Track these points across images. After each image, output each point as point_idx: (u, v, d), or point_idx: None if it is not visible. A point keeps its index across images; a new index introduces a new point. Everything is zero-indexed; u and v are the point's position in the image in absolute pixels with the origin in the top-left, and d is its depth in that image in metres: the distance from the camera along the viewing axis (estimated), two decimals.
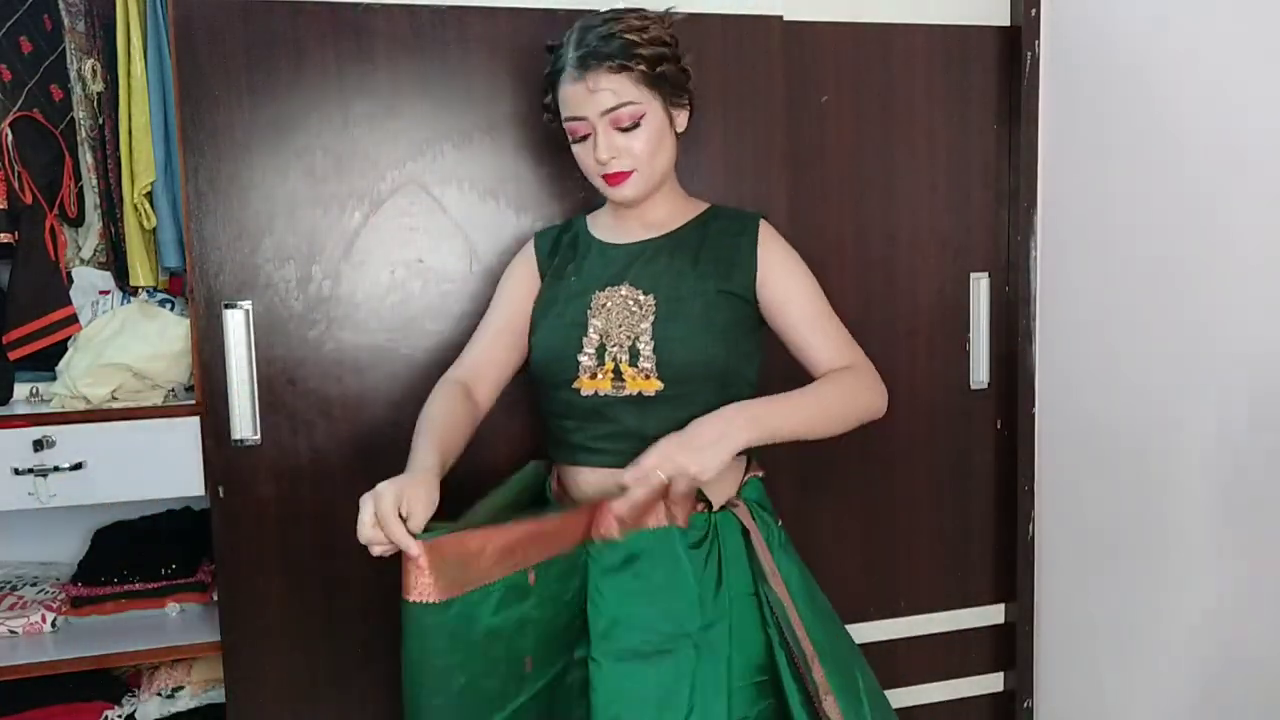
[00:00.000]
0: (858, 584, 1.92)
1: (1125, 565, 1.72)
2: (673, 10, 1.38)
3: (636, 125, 1.30)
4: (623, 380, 1.31)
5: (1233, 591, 1.51)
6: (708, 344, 1.32)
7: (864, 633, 1.92)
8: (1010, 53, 1.89)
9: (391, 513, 1.17)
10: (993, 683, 2.03)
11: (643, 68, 1.28)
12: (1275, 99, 1.40)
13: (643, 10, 1.34)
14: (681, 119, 1.38)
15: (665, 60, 1.31)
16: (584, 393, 1.33)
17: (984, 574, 2.00)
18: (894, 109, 1.85)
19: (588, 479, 1.36)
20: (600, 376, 1.32)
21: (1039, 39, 1.85)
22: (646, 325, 1.32)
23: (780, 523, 1.39)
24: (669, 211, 1.41)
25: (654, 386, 1.30)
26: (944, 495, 1.96)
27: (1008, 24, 1.88)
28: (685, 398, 1.30)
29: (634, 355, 1.31)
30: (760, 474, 1.42)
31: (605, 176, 1.33)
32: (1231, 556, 1.51)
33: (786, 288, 1.38)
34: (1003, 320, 1.94)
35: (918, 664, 1.98)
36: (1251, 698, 1.49)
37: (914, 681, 1.97)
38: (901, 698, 1.97)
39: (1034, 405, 1.92)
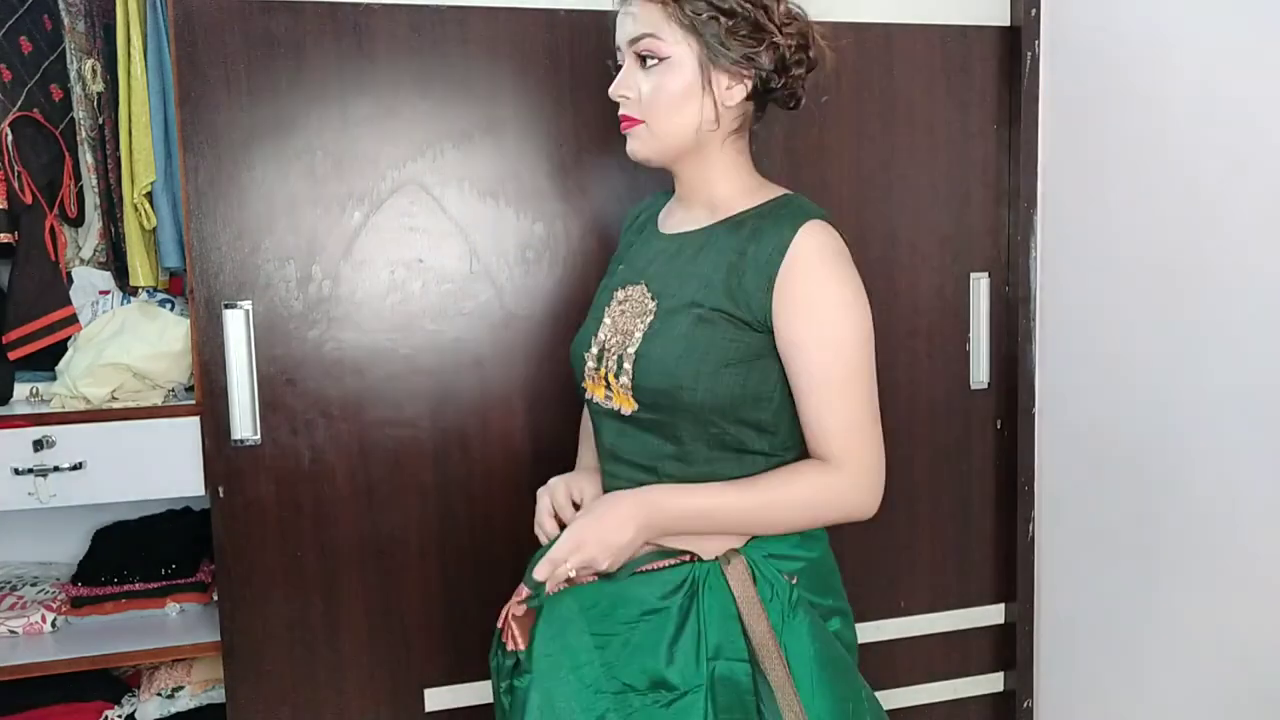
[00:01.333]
0: (858, 584, 1.91)
1: (1125, 565, 1.72)
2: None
3: (657, 64, 1.15)
4: (611, 390, 1.20)
5: (1232, 591, 1.51)
6: (682, 370, 1.13)
7: (864, 633, 1.91)
8: (1010, 53, 1.88)
9: (566, 502, 1.27)
10: (993, 683, 2.03)
11: (680, 4, 1.13)
12: (1275, 99, 1.40)
13: None
14: (729, 87, 1.16)
15: (715, 7, 1.13)
16: (589, 395, 1.26)
17: (984, 574, 2.00)
18: (894, 109, 1.85)
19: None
20: (597, 381, 1.23)
21: (1039, 39, 1.85)
22: (639, 334, 1.18)
23: (795, 581, 1.17)
24: (725, 197, 1.21)
25: (630, 405, 1.18)
26: (944, 495, 1.96)
27: (1008, 24, 1.88)
28: (659, 426, 1.17)
29: (619, 365, 1.18)
30: None
31: (621, 120, 1.20)
32: (1231, 556, 1.51)
33: (796, 331, 1.12)
34: (1003, 320, 1.94)
35: (918, 664, 1.98)
36: (1251, 697, 1.49)
37: (914, 681, 1.97)
38: (901, 698, 1.97)
39: (1034, 405, 1.92)
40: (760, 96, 1.20)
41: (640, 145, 1.20)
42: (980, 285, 1.93)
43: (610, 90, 1.20)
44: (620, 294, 1.25)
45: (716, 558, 1.17)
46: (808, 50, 1.20)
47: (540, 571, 1.15)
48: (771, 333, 1.14)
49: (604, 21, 1.66)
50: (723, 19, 1.13)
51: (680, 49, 1.14)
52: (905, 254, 1.88)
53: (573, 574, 1.15)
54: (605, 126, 1.68)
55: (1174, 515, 1.60)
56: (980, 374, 1.95)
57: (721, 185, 1.22)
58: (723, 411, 1.14)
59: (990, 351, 1.94)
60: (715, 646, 1.14)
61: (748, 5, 1.14)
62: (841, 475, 1.13)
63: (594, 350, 1.24)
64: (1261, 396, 1.44)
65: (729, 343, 1.14)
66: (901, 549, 1.94)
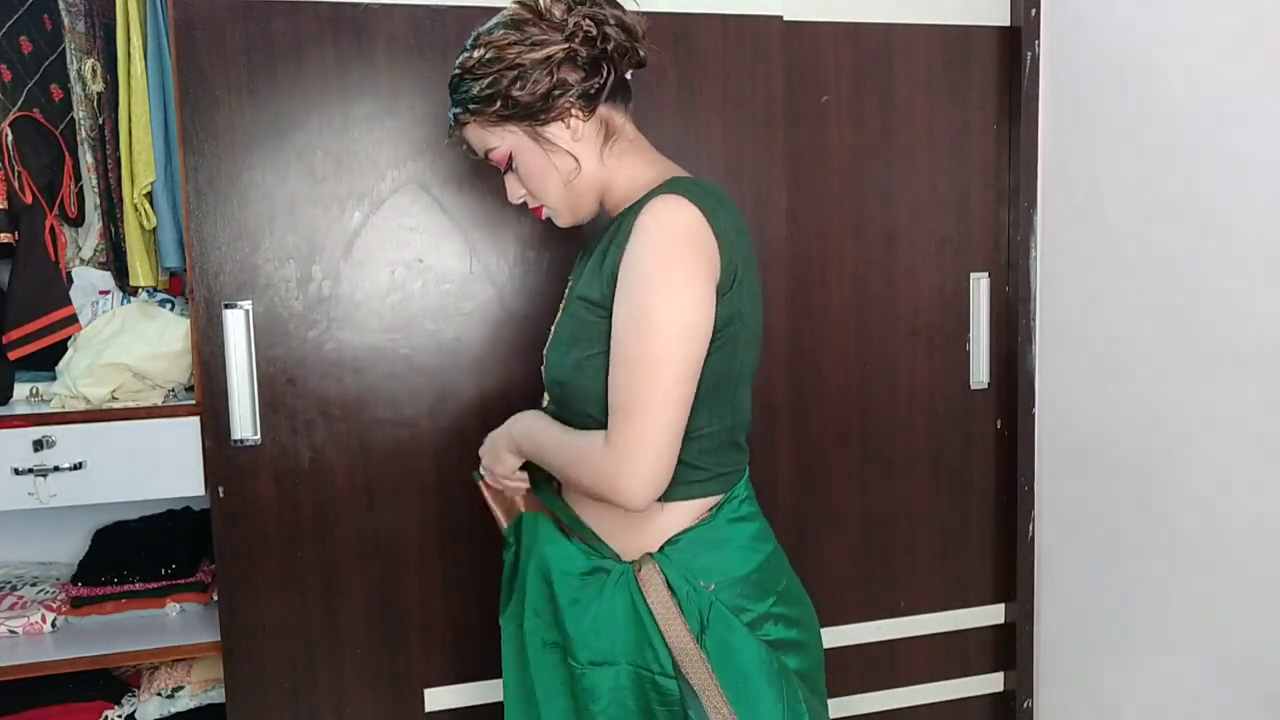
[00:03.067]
0: (858, 584, 1.92)
1: (1125, 565, 1.72)
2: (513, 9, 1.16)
3: (512, 166, 1.19)
4: (546, 390, 1.26)
5: (1232, 592, 1.51)
6: (562, 364, 1.16)
7: (864, 633, 1.92)
8: (1010, 53, 1.89)
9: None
10: (993, 683, 2.03)
11: (482, 111, 1.15)
12: (1275, 98, 1.40)
13: (478, 33, 1.17)
14: (568, 127, 1.16)
15: (502, 88, 1.13)
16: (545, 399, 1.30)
17: (984, 574, 2.00)
18: (894, 109, 1.85)
19: None
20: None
21: (1039, 39, 1.85)
22: (551, 333, 1.24)
23: (713, 588, 1.14)
24: (622, 196, 1.20)
25: (548, 400, 1.26)
26: (944, 495, 1.96)
27: (1008, 24, 1.88)
28: (566, 421, 1.19)
29: (544, 365, 1.24)
30: (701, 524, 1.17)
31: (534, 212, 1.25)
32: (1231, 556, 1.51)
33: (619, 299, 1.08)
34: (1003, 320, 1.95)
35: (918, 664, 1.98)
36: (1251, 697, 1.49)
37: (914, 681, 1.98)
38: (901, 698, 1.97)
39: (1034, 405, 1.92)
40: (600, 94, 1.16)
41: (558, 219, 1.24)
42: (980, 285, 1.93)
43: (509, 199, 1.24)
44: (568, 293, 1.27)
45: (632, 561, 1.16)
46: (604, 23, 1.14)
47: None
48: None
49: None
50: (514, 90, 1.13)
51: (509, 139, 1.17)
52: (905, 254, 1.88)
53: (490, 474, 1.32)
54: None
55: (1174, 515, 1.61)
56: (980, 374, 1.95)
57: (618, 189, 1.21)
58: (596, 403, 1.12)
59: (990, 351, 1.95)
60: (599, 649, 1.16)
61: (522, 56, 1.12)
62: (608, 456, 1.08)
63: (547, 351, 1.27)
64: (1261, 396, 1.44)
65: (594, 331, 1.12)
66: (901, 549, 1.95)
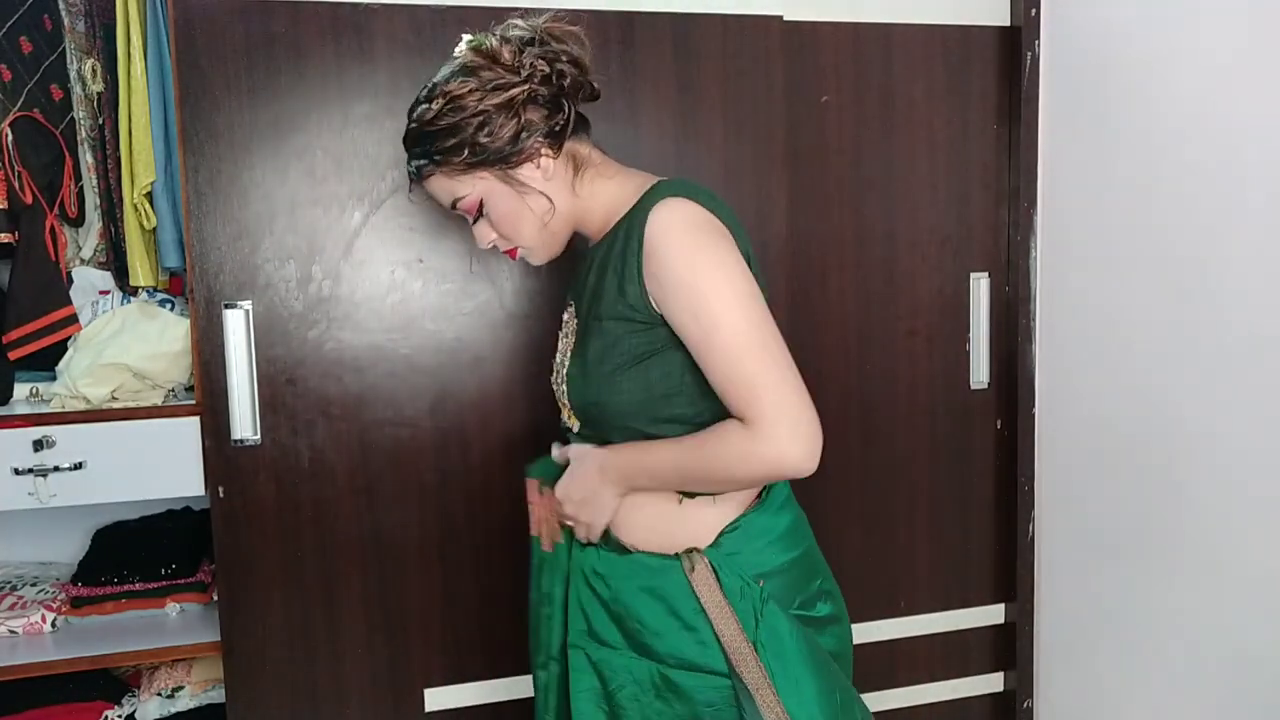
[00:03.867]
0: (858, 584, 1.92)
1: (1125, 565, 1.72)
2: (469, 42, 1.17)
3: (482, 213, 1.19)
4: (565, 411, 1.25)
5: (1233, 591, 1.51)
6: (591, 384, 1.16)
7: (864, 633, 1.92)
8: (1010, 53, 1.89)
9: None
10: (993, 683, 2.03)
11: (448, 161, 1.15)
12: (1275, 98, 1.40)
13: (434, 84, 1.16)
14: (538, 167, 1.16)
15: (468, 136, 1.13)
16: (562, 420, 1.28)
17: (984, 574, 2.00)
18: (894, 109, 1.85)
19: None
20: (560, 404, 1.26)
21: (1039, 39, 1.85)
22: (568, 354, 1.22)
23: (763, 583, 1.15)
24: (604, 217, 1.20)
25: (576, 422, 1.23)
26: (944, 495, 1.96)
27: (1008, 24, 1.88)
28: (598, 438, 1.20)
29: (562, 387, 1.23)
30: (752, 510, 1.18)
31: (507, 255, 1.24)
32: (1232, 556, 1.51)
33: (675, 311, 1.09)
34: (1003, 320, 1.95)
35: (918, 664, 1.98)
36: (1251, 698, 1.49)
37: (914, 681, 1.98)
38: (901, 698, 1.97)
39: (1034, 405, 1.92)
40: (565, 130, 1.17)
41: (533, 258, 1.24)
42: (980, 285, 1.93)
43: (479, 245, 1.23)
44: (565, 315, 1.27)
45: (678, 554, 1.16)
46: (556, 60, 1.15)
47: (536, 528, 1.29)
48: (664, 323, 1.12)
49: (604, 21, 1.66)
50: (481, 136, 1.13)
51: (479, 186, 1.17)
52: (905, 254, 1.88)
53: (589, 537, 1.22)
54: (604, 126, 1.68)
55: (1174, 515, 1.60)
56: (980, 374, 1.95)
57: (597, 213, 1.21)
58: (635, 415, 1.14)
59: (990, 351, 1.95)
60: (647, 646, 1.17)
61: (484, 102, 1.13)
62: (754, 435, 1.06)
63: (554, 375, 1.28)
64: (1261, 396, 1.44)
65: (625, 346, 1.13)
66: (901, 549, 1.95)
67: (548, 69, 1.14)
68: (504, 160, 1.15)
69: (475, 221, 1.22)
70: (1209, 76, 1.51)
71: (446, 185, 1.18)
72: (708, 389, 1.12)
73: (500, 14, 1.62)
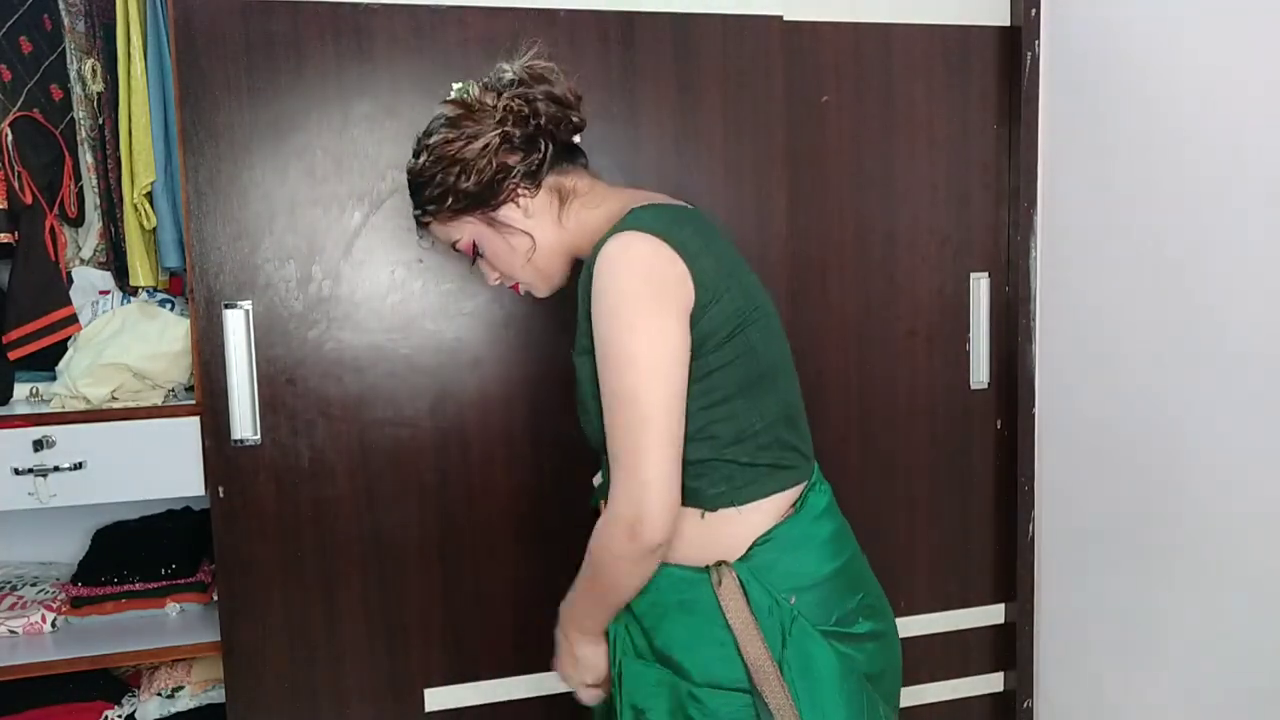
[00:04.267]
0: None
1: (1125, 565, 1.72)
2: (454, 95, 1.20)
3: (479, 254, 1.25)
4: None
5: (1233, 591, 1.51)
6: (589, 416, 1.16)
7: None
8: (1010, 53, 1.89)
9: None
10: (993, 683, 2.03)
11: (438, 209, 1.21)
12: (1275, 98, 1.40)
13: (419, 138, 1.23)
14: (519, 207, 1.20)
15: (450, 186, 1.18)
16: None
17: (984, 574, 2.00)
18: (894, 109, 1.85)
19: None
20: None
21: (1039, 39, 1.85)
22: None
23: (794, 600, 1.13)
24: (589, 246, 1.20)
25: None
26: (944, 495, 1.96)
27: (1008, 24, 1.88)
28: (604, 460, 1.19)
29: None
30: (788, 520, 1.17)
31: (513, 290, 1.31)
32: (1231, 556, 1.51)
33: (595, 333, 1.09)
34: (1003, 320, 1.95)
35: (918, 664, 1.98)
36: (1251, 698, 1.49)
37: (914, 681, 1.97)
38: (902, 697, 1.97)
39: (1034, 405, 1.92)
40: (541, 168, 1.20)
41: (535, 292, 1.28)
42: (980, 285, 1.93)
43: (488, 284, 1.31)
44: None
45: (707, 567, 1.15)
46: (533, 100, 1.18)
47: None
48: None
49: (604, 21, 1.66)
50: (461, 183, 1.18)
51: (468, 230, 1.23)
52: (905, 254, 1.88)
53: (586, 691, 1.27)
54: (604, 126, 1.68)
55: (1174, 515, 1.60)
56: (980, 374, 1.95)
57: (587, 240, 1.22)
58: None
59: (990, 351, 1.95)
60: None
61: (462, 151, 1.17)
62: (616, 501, 1.08)
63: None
64: (1261, 396, 1.44)
65: (594, 380, 1.13)
66: (901, 549, 1.95)
67: (524, 108, 1.18)
68: (484, 204, 1.20)
69: (474, 262, 1.28)
70: (1209, 76, 1.51)
71: (443, 231, 1.25)
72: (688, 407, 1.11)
73: (499, 14, 1.63)
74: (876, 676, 1.19)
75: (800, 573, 1.15)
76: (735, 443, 1.14)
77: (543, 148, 1.20)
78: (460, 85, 1.22)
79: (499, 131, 1.17)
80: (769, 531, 1.15)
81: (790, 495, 1.19)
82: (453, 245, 1.26)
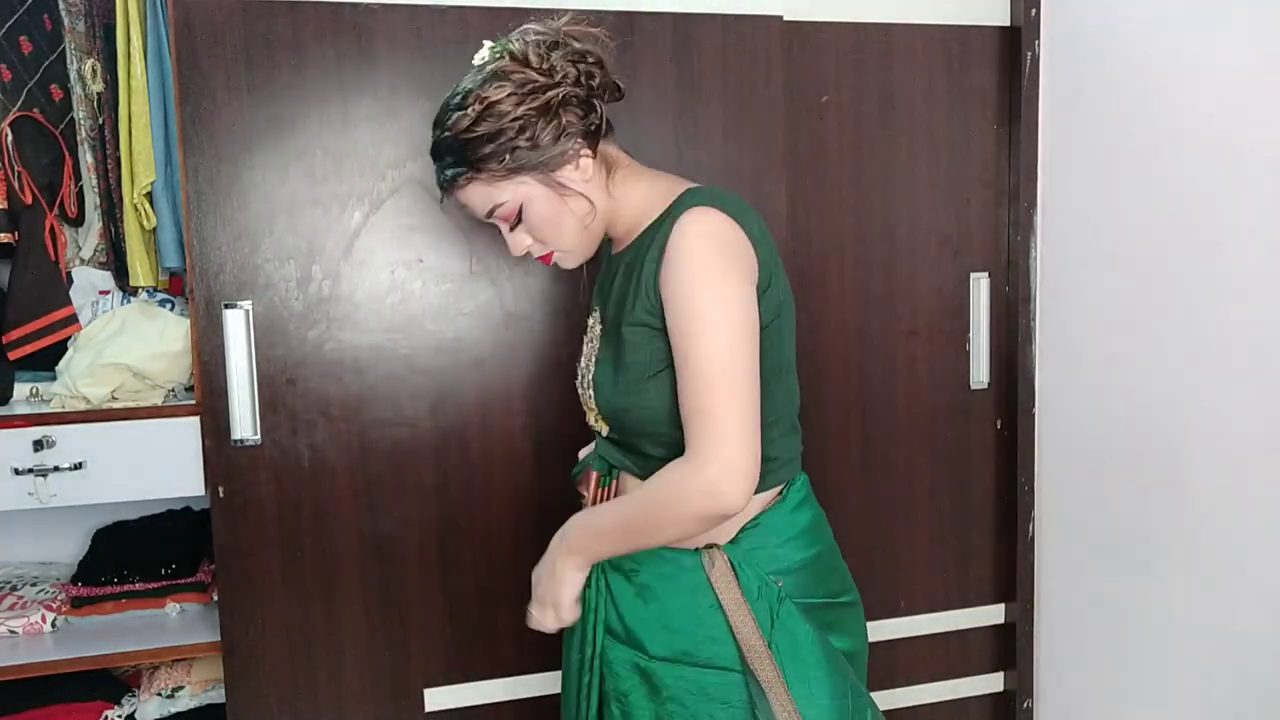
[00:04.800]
0: (858, 584, 1.91)
1: (1125, 565, 1.72)
2: (504, 47, 1.15)
3: (520, 219, 1.18)
4: (593, 415, 1.25)
5: (1233, 591, 1.51)
6: (617, 391, 1.17)
7: None
8: (1010, 53, 1.89)
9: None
10: (993, 683, 2.03)
11: (488, 168, 1.13)
12: (1275, 98, 1.40)
13: (465, 91, 1.14)
14: (578, 168, 1.15)
15: (508, 142, 1.12)
16: (589, 421, 1.29)
17: (984, 574, 2.00)
18: (894, 109, 1.85)
19: None
20: (586, 407, 1.27)
21: (1039, 39, 1.85)
22: (594, 359, 1.22)
23: (781, 584, 1.16)
24: (633, 220, 1.20)
25: (605, 427, 1.23)
26: (944, 495, 1.96)
27: (1008, 24, 1.88)
28: (627, 444, 1.21)
29: (589, 392, 1.23)
30: (772, 508, 1.19)
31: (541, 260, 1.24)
32: (1232, 556, 1.51)
33: (670, 320, 1.09)
34: (1003, 320, 1.95)
35: (918, 664, 1.98)
36: (1250, 697, 1.49)
37: (914, 681, 1.98)
38: (901, 698, 1.97)
39: (1034, 405, 1.92)
40: (599, 130, 1.18)
41: (568, 261, 1.23)
42: (980, 285, 1.93)
43: (512, 254, 1.22)
44: (590, 320, 1.28)
45: (698, 549, 1.17)
46: (586, 60, 1.15)
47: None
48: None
49: (604, 21, 1.66)
50: (521, 141, 1.12)
51: (520, 190, 1.15)
52: (905, 254, 1.88)
53: (556, 621, 1.24)
54: None
55: (1174, 515, 1.60)
56: (980, 374, 1.95)
57: (626, 215, 1.21)
58: (662, 421, 1.14)
59: (990, 351, 1.95)
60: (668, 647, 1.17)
61: (522, 107, 1.11)
62: (690, 465, 1.07)
63: (578, 377, 1.28)
64: (1261, 395, 1.44)
65: (650, 353, 1.13)
66: (901, 549, 1.95)
67: (575, 71, 1.14)
68: (545, 164, 1.14)
69: (513, 229, 1.20)
70: (1209, 76, 1.51)
71: (484, 193, 1.16)
72: None
73: (499, 14, 1.63)
74: (857, 663, 1.23)
75: (784, 557, 1.18)
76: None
77: (599, 110, 1.16)
78: (496, 43, 1.16)
79: (561, 90, 1.12)
80: (756, 517, 1.18)
81: (778, 487, 1.22)
82: (489, 212, 1.18)
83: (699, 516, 1.08)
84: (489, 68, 1.14)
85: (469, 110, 1.12)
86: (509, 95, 1.11)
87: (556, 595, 1.21)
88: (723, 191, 1.17)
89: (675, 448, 1.12)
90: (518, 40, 1.15)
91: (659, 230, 1.14)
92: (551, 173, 1.15)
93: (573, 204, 1.16)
